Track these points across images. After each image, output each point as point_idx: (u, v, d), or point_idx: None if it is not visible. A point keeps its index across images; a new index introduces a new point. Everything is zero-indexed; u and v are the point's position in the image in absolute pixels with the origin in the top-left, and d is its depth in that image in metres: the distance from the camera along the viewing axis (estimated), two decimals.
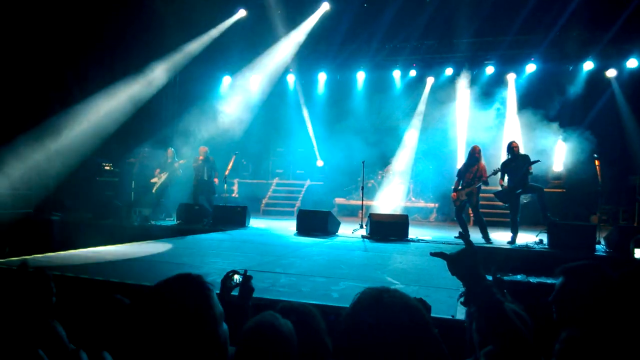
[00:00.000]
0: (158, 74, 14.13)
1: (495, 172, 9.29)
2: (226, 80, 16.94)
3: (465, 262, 1.72)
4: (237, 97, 16.85)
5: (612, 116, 13.38)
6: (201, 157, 12.10)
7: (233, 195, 15.24)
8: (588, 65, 13.89)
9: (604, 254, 8.23)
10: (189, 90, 16.12)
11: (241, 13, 15.34)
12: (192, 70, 15.53)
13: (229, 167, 12.05)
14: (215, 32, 15.17)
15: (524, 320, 2.05)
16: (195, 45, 14.97)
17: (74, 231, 10.39)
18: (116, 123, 13.22)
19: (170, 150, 12.87)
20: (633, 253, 4.60)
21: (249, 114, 16.30)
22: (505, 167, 9.26)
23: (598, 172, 9.42)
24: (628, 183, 12.73)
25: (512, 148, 9.23)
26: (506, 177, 9.27)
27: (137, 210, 11.45)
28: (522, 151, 9.40)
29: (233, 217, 10.84)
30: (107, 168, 14.08)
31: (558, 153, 13.62)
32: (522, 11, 12.84)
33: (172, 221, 11.51)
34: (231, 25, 15.31)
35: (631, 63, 13.34)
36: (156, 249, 7.54)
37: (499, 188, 9.34)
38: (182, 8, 13.28)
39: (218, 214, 11.01)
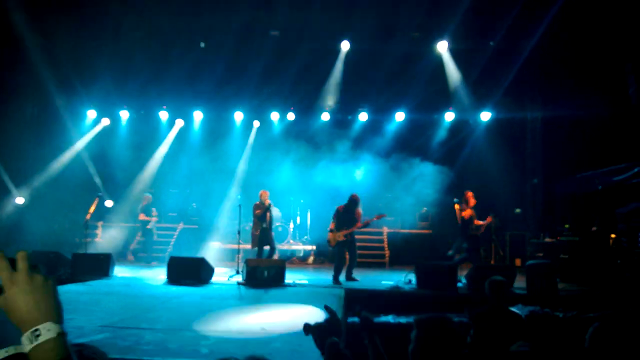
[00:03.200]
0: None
1: (379, 217, 10.32)
2: (91, 114, 15.76)
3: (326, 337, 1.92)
4: (103, 132, 15.76)
5: (473, 162, 14.69)
6: (267, 202, 10.82)
7: (97, 239, 13.95)
8: (449, 116, 15.26)
9: (465, 291, 8.81)
10: (47, 125, 14.70)
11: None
12: (52, 103, 14.23)
13: (91, 210, 11.04)
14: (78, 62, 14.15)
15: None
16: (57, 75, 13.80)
17: None
18: None
19: (148, 196, 13.06)
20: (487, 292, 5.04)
21: (115, 151, 15.29)
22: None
23: (457, 215, 10.21)
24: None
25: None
26: None
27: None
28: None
29: (95, 265, 9.80)
30: None
31: (424, 196, 14.59)
32: (387, 64, 13.81)
33: None
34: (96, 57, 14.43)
35: (485, 116, 14.91)
36: None
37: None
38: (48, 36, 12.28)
39: (77, 262, 9.92)
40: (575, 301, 8.05)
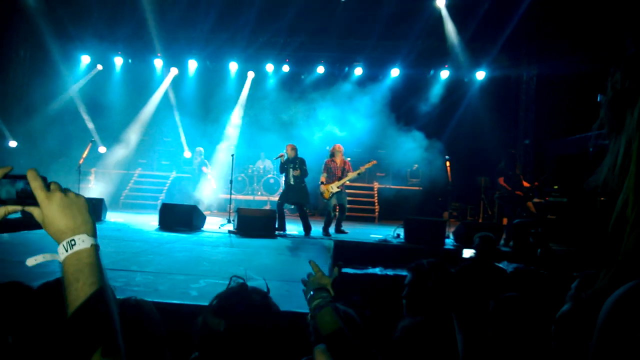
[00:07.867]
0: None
1: (370, 164, 10.27)
2: (85, 59, 15.45)
3: None
4: (97, 79, 15.51)
5: (465, 121, 14.65)
6: (292, 155, 9.71)
7: (90, 186, 13.97)
8: (445, 74, 15.09)
9: (451, 247, 8.98)
10: (40, 70, 14.40)
11: None
12: (46, 47, 13.88)
13: (84, 155, 10.98)
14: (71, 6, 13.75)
15: (353, 321, 2.05)
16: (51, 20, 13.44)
17: None
18: None
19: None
20: (476, 246, 5.16)
21: (110, 98, 15.08)
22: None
23: (448, 173, 10.26)
24: (475, 183, 14.09)
25: None
26: None
27: None
28: None
29: None
30: None
31: (416, 153, 14.61)
32: (384, 18, 13.45)
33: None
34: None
35: (480, 75, 14.76)
36: None
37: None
38: None
39: None
40: (560, 260, 8.21)
